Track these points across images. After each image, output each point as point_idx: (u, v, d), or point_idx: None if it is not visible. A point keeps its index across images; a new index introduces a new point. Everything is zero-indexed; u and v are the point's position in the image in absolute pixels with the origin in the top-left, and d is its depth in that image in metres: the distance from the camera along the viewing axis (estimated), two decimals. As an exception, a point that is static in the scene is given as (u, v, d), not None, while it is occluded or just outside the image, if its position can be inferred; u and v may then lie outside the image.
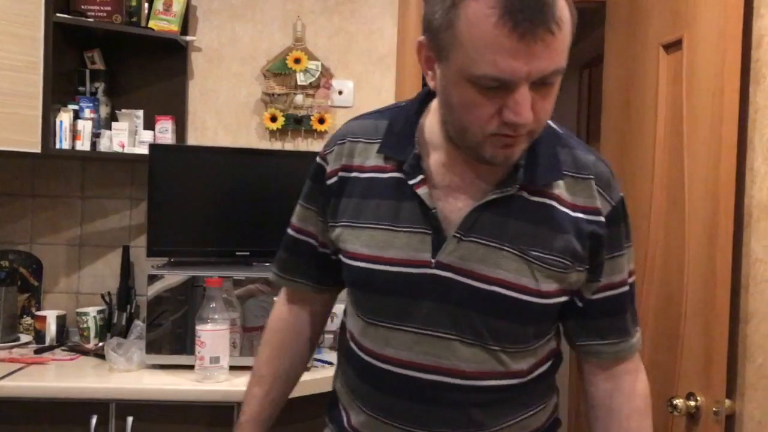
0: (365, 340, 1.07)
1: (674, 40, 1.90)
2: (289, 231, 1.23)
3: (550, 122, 1.00)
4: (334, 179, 1.08)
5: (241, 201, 2.12)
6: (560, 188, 1.00)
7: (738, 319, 1.74)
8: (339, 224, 1.07)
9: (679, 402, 1.73)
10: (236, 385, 1.83)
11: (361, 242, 1.03)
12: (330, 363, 2.06)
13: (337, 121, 2.32)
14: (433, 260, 0.98)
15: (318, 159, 1.15)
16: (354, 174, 1.06)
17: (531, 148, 0.97)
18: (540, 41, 0.81)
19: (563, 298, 1.03)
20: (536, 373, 1.09)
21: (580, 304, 1.06)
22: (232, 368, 1.90)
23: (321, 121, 2.28)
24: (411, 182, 0.99)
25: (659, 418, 1.87)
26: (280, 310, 1.27)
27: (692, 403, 1.72)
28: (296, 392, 1.86)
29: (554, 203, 1.00)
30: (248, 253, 2.09)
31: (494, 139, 0.90)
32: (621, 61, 2.26)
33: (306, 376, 1.93)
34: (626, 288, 1.08)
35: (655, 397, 1.88)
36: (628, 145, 2.18)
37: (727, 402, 1.69)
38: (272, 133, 2.32)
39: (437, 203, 0.99)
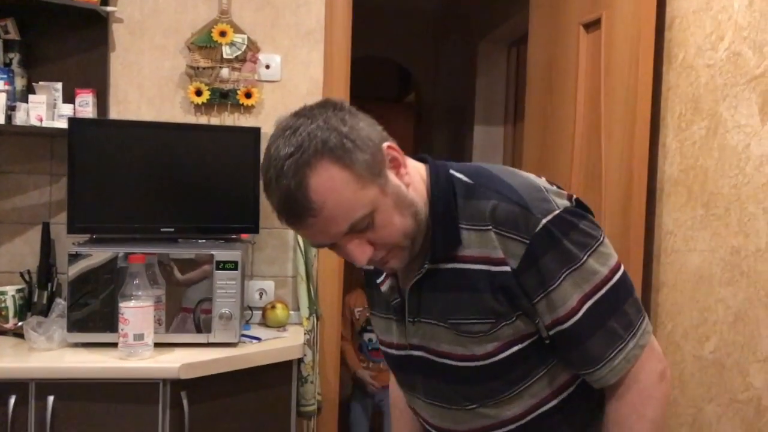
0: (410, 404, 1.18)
1: (593, 20, 1.96)
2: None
3: (458, 174, 1.02)
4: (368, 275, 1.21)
5: (165, 177, 2.08)
6: (464, 247, 0.99)
7: (650, 288, 1.83)
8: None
9: (594, 368, 1.81)
10: (161, 362, 1.81)
11: (377, 328, 1.18)
12: (258, 338, 2.06)
13: (264, 96, 2.29)
14: (407, 343, 1.08)
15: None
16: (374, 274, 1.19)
17: (435, 220, 1.00)
18: (309, 228, 0.93)
19: (515, 348, 0.99)
20: (549, 405, 1.03)
21: (546, 341, 1.00)
22: (158, 345, 1.88)
23: (248, 95, 2.25)
24: (377, 280, 1.11)
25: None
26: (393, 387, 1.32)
27: (607, 369, 1.81)
28: (246, 363, 1.87)
29: (462, 265, 0.99)
30: (173, 230, 2.06)
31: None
32: (544, 39, 2.31)
33: (234, 351, 1.93)
34: (578, 317, 0.95)
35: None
36: (549, 121, 2.24)
37: (639, 367, 1.78)
38: (197, 108, 2.27)
39: (402, 288, 1.08)
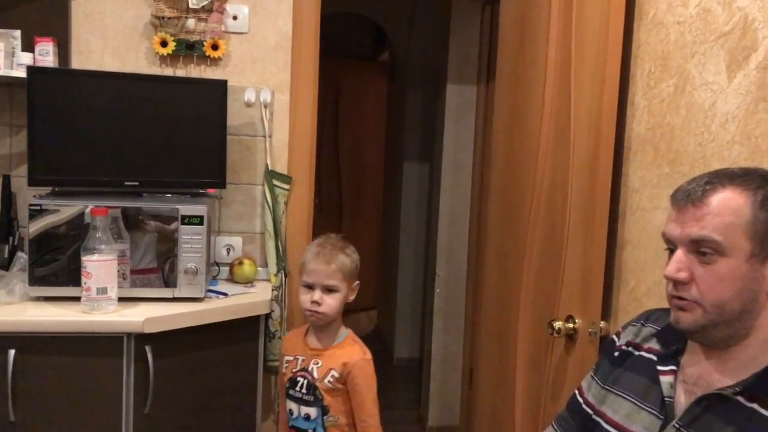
0: None
1: (566, -25, 1.93)
2: (575, 391, 1.35)
3: None
4: (619, 353, 1.24)
5: (130, 129, 2.04)
6: None
7: (615, 246, 1.84)
8: (604, 387, 1.22)
9: (558, 324, 1.83)
10: (125, 315, 1.79)
11: (611, 408, 1.17)
12: (225, 294, 2.05)
13: (231, 48, 2.24)
14: None
15: (613, 336, 1.31)
16: (635, 351, 1.21)
17: None
18: (686, 212, 1.02)
19: None
20: None
21: None
22: (123, 300, 1.86)
23: (214, 47, 2.20)
24: (659, 368, 1.12)
25: (542, 340, 1.98)
26: None
27: (570, 325, 1.83)
28: (212, 318, 1.85)
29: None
30: (137, 184, 2.03)
31: (672, 302, 1.05)
32: (517, -5, 2.28)
33: (199, 306, 1.92)
34: None
35: (539, 321, 1.99)
36: (521, 80, 2.22)
37: (602, 323, 1.80)
38: (163, 59, 2.22)
39: (678, 392, 1.08)
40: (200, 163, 2.09)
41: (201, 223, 1.92)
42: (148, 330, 1.78)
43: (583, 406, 1.27)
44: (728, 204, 0.99)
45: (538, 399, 2.00)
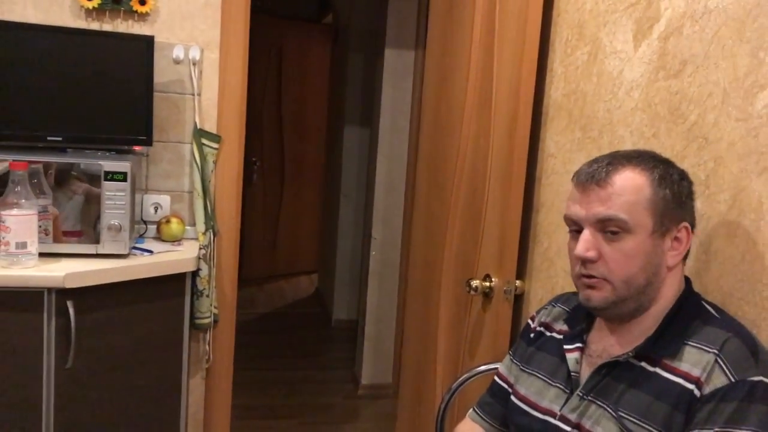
0: None
1: (492, -59, 1.96)
2: (495, 377, 1.38)
3: (708, 305, 1.08)
4: (533, 334, 1.31)
5: (53, 84, 1.99)
6: (678, 360, 1.01)
7: (531, 209, 1.91)
8: (521, 367, 1.28)
9: (476, 283, 1.90)
10: (46, 270, 1.78)
11: (524, 386, 1.24)
12: (150, 251, 2.05)
13: (160, 3, 2.20)
14: (558, 412, 1.13)
15: (529, 320, 1.36)
16: (547, 331, 1.28)
17: (667, 322, 1.05)
18: (591, 192, 1.05)
19: None
20: None
21: None
22: (45, 255, 1.85)
23: (142, 2, 2.16)
24: (565, 347, 1.18)
25: (462, 299, 2.06)
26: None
27: (487, 284, 1.90)
28: (135, 274, 1.83)
29: (665, 374, 1.02)
30: (61, 139, 2.00)
31: (580, 282, 1.09)
32: (448, -40, 2.30)
33: (123, 262, 1.92)
34: None
35: (460, 280, 2.05)
36: (448, 45, 2.26)
37: (518, 282, 1.88)
38: (88, 12, 2.16)
39: (583, 366, 1.15)
40: (126, 120, 2.06)
41: (125, 180, 1.91)
42: (69, 285, 1.77)
43: (504, 385, 1.34)
44: (631, 183, 1.04)
45: (457, 355, 2.08)
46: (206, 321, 2.23)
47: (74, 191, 1.91)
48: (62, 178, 1.91)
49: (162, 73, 2.21)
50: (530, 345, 1.29)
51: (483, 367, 1.65)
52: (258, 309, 5.08)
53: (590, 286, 1.07)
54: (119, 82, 2.05)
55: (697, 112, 1.26)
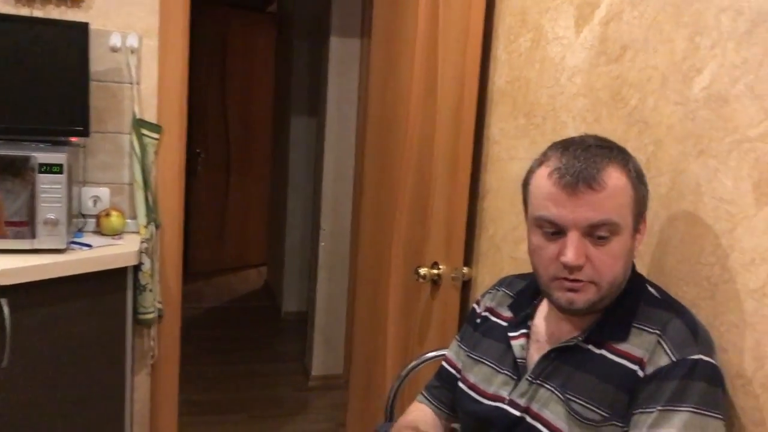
0: None
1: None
2: (442, 362, 1.37)
3: (651, 288, 1.09)
4: (479, 319, 1.30)
5: (-18, 72, 1.91)
6: (624, 342, 1.02)
7: (477, 195, 1.92)
8: (468, 353, 1.28)
9: (424, 270, 1.90)
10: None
11: (472, 372, 1.23)
12: (89, 246, 1.98)
13: (96, -10, 2.12)
14: (507, 398, 1.13)
15: (474, 304, 1.36)
16: (492, 317, 1.27)
17: (614, 305, 1.05)
18: (581, 195, 0.98)
19: None
20: None
21: None
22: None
23: (76, -13, 2.08)
24: (510, 334, 1.18)
25: (411, 287, 2.05)
26: (414, 413, 1.37)
27: (435, 271, 1.90)
28: (74, 270, 1.77)
29: (611, 356, 1.03)
30: (-9, 130, 1.91)
31: (557, 283, 1.03)
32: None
33: (61, 257, 1.85)
34: None
35: (409, 268, 2.05)
36: (394, 34, 2.25)
37: (465, 269, 1.89)
38: (19, -2, 2.08)
39: (530, 352, 1.14)
40: (61, 110, 1.99)
41: (60, 172, 1.84)
42: (3, 282, 1.70)
43: (451, 370, 1.33)
44: (618, 184, 1.00)
45: (407, 342, 2.08)
46: (150, 316, 2.18)
47: (4, 182, 1.83)
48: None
49: (99, 61, 2.14)
50: (476, 330, 1.30)
51: (432, 354, 1.65)
52: (206, 303, 5.00)
53: (572, 290, 1.03)
54: (53, 71, 1.97)
55: (637, 97, 1.28)
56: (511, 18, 1.77)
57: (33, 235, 1.85)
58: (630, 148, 1.28)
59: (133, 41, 2.15)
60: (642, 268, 1.22)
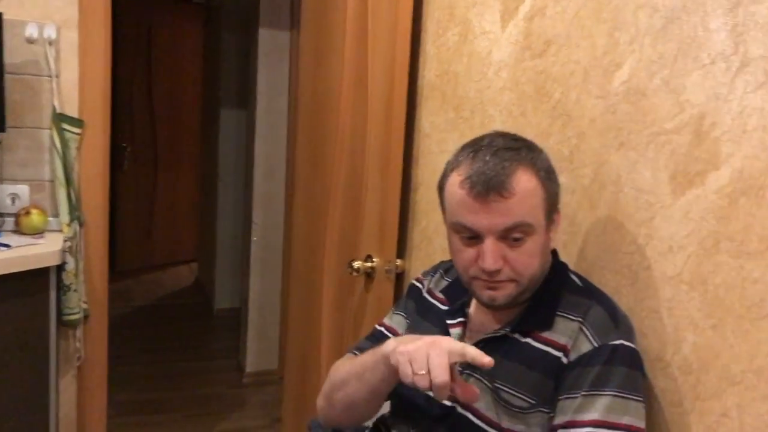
0: None
1: None
2: (377, 326, 1.37)
3: (573, 275, 1.13)
4: (418, 295, 1.32)
5: None
6: (548, 330, 1.05)
7: (409, 189, 1.94)
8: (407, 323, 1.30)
9: (358, 264, 1.91)
10: None
11: None
12: (7, 245, 1.90)
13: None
14: None
15: (415, 281, 1.37)
16: (430, 298, 1.28)
17: (539, 295, 1.09)
18: (492, 202, 1.01)
19: None
20: None
21: None
22: None
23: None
24: (448, 321, 1.19)
25: (345, 280, 2.05)
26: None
27: (369, 264, 1.91)
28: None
29: (536, 344, 1.06)
30: None
31: (478, 282, 1.07)
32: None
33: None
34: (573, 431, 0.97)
35: (343, 262, 2.05)
36: (323, 26, 2.23)
37: (398, 261, 1.90)
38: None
39: (464, 342, 1.11)
40: (-26, 104, 1.90)
41: (-25, 170, 1.76)
42: None
43: (387, 333, 1.33)
44: (528, 186, 1.03)
45: (341, 336, 2.08)
46: (75, 317, 2.11)
47: None
48: None
49: (14, 53, 2.04)
50: (418, 305, 1.30)
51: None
52: (135, 302, 4.88)
53: (492, 288, 1.06)
54: (-36, 63, 1.88)
55: (560, 91, 1.31)
56: (440, 12, 1.79)
57: (-54, 236, 1.76)
58: (554, 141, 1.32)
59: (51, 32, 2.07)
60: (566, 258, 1.25)
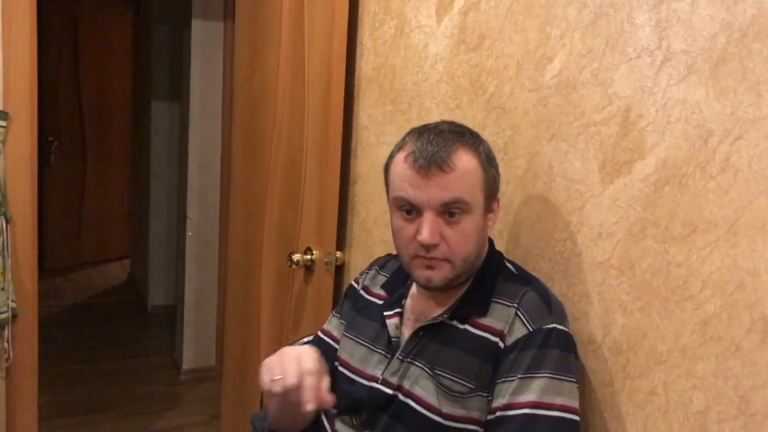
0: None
1: None
2: (318, 332, 1.38)
3: (508, 263, 1.17)
4: (354, 295, 1.34)
5: None
6: (486, 316, 1.09)
7: (348, 181, 1.95)
8: (344, 332, 1.30)
9: (297, 257, 1.91)
10: None
11: (348, 352, 1.25)
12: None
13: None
14: (380, 377, 1.16)
15: (353, 282, 1.38)
16: (366, 295, 1.30)
17: (475, 282, 1.13)
18: (434, 176, 1.04)
19: (472, 427, 1.06)
20: None
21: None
22: None
23: None
24: (385, 313, 1.21)
25: (284, 273, 2.05)
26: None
27: (308, 257, 1.91)
28: None
29: (474, 330, 1.09)
30: None
31: (417, 261, 1.09)
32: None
33: None
34: (517, 412, 1.00)
35: (282, 255, 2.05)
36: (259, 17, 2.22)
37: (338, 253, 1.91)
38: None
39: (402, 331, 1.18)
40: None
41: None
42: None
43: (330, 341, 1.34)
44: (468, 166, 1.06)
45: (281, 328, 2.08)
46: (3, 316, 2.03)
47: None
48: None
49: (-68, 42, 1.95)
50: (355, 304, 1.32)
51: (306, 338, 1.66)
52: (65, 300, 4.73)
53: (430, 267, 1.09)
54: None
55: (495, 84, 1.35)
56: (376, 5, 1.80)
57: None
58: (489, 132, 1.35)
59: (-29, 21, 1.98)
60: (501, 245, 1.29)
